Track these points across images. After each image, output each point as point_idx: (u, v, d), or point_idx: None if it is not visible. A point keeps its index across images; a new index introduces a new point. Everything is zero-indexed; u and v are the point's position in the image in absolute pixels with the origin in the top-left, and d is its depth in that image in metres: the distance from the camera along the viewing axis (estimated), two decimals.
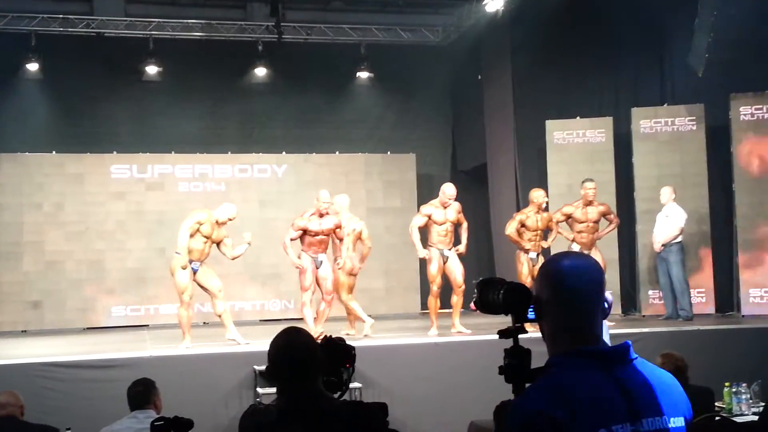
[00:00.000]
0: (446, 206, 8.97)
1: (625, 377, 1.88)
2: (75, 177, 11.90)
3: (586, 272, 1.98)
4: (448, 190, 9.01)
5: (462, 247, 9.04)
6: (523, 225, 9.19)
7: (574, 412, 1.79)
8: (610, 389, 1.84)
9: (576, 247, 9.29)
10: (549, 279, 1.99)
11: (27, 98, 12.00)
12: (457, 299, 8.99)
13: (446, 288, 9.12)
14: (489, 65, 12.67)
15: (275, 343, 2.70)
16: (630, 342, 1.93)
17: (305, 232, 8.59)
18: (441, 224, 8.92)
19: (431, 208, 9.02)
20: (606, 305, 1.98)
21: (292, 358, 2.64)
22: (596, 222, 9.48)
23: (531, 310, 2.14)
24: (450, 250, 8.95)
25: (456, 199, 9.08)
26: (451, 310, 9.09)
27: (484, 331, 8.35)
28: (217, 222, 8.49)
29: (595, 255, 8.82)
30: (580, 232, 9.42)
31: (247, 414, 2.74)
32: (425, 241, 9.05)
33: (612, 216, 9.63)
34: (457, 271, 8.94)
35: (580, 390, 1.83)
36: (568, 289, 1.94)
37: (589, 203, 9.44)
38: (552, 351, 1.97)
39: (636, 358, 1.93)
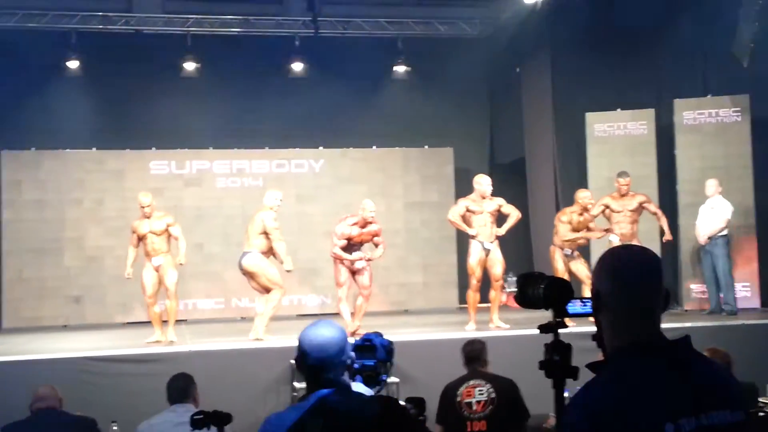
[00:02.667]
0: (483, 198, 8.90)
1: (687, 371, 1.86)
2: (115, 173, 12.01)
3: (647, 264, 1.96)
4: (483, 180, 8.97)
5: (501, 230, 8.94)
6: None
7: (641, 407, 1.78)
8: (674, 383, 1.83)
9: (615, 239, 9.20)
10: (610, 271, 1.96)
11: (68, 96, 12.12)
12: (495, 294, 8.91)
13: (485, 282, 9.04)
14: (527, 57, 12.54)
15: (303, 335, 2.69)
16: (689, 335, 1.91)
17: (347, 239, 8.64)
18: (479, 214, 8.84)
19: (468, 201, 8.96)
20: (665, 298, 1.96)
21: (319, 352, 2.62)
22: (634, 211, 9.41)
23: (583, 304, 2.14)
24: (492, 243, 8.87)
25: (493, 193, 9.01)
26: (488, 305, 9.01)
27: (523, 326, 8.26)
28: (272, 210, 8.59)
29: None
30: (618, 222, 9.34)
31: (269, 419, 2.73)
32: (467, 236, 9.00)
33: (653, 207, 9.52)
34: (497, 265, 8.86)
35: (646, 384, 1.82)
36: (631, 281, 1.92)
37: (624, 195, 9.42)
38: (611, 345, 1.94)
39: (695, 351, 1.91)
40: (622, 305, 1.92)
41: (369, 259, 8.78)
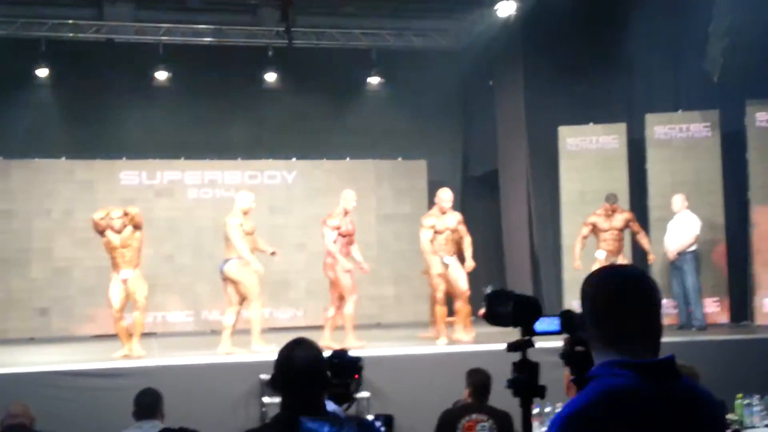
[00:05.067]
0: (444, 212, 8.92)
1: (670, 391, 1.84)
2: (84, 183, 11.85)
3: (643, 282, 1.93)
4: (444, 194, 9.02)
5: (468, 262, 8.94)
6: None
7: (627, 423, 1.77)
8: (656, 403, 1.81)
9: (602, 255, 9.30)
10: (607, 287, 1.93)
11: (37, 104, 11.98)
12: (461, 305, 8.92)
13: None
14: (500, 70, 12.58)
15: (282, 354, 2.66)
16: (674, 355, 1.89)
17: (339, 233, 8.64)
18: (441, 232, 8.89)
19: (432, 219, 8.98)
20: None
21: (297, 371, 2.58)
22: (621, 230, 9.51)
23: (549, 321, 2.10)
24: (451, 256, 8.89)
25: (466, 207, 9.05)
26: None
27: (494, 341, 8.23)
28: (245, 213, 8.57)
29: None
30: (605, 240, 9.49)
31: None
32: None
33: (636, 226, 9.66)
34: (459, 278, 8.87)
35: (631, 401, 1.80)
36: (628, 299, 1.90)
37: (610, 215, 9.57)
38: (598, 360, 1.93)
39: (679, 371, 1.90)
40: (610, 322, 1.90)
41: (364, 270, 8.95)
